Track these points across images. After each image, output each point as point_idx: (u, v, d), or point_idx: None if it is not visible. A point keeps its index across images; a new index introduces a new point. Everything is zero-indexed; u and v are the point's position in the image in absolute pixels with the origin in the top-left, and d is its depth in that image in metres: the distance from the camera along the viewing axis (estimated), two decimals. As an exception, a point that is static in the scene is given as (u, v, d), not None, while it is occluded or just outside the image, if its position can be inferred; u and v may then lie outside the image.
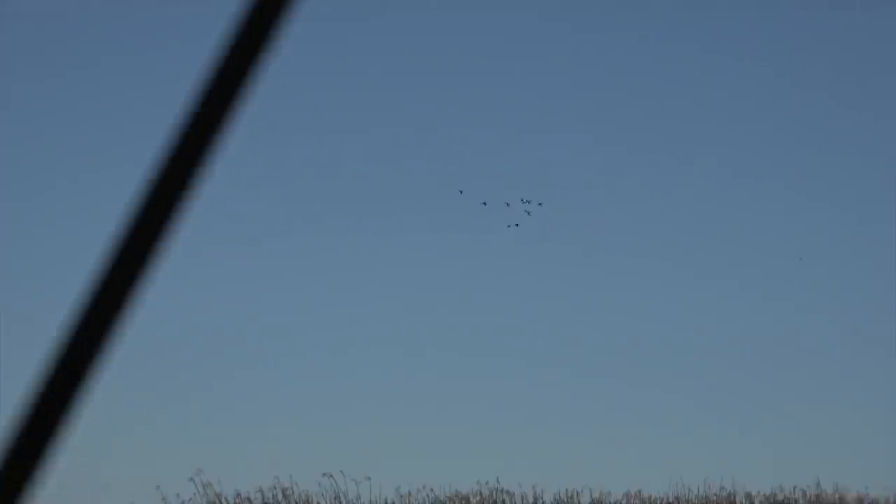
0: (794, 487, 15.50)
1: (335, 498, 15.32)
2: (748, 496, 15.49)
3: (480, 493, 15.34)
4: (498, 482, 15.19)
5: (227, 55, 1.19)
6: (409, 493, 15.51)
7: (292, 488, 15.73)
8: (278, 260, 35.89)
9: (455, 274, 36.62)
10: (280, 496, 15.73)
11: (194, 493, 16.07)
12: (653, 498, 15.95)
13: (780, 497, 15.21)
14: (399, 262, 35.98)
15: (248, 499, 15.68)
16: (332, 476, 15.56)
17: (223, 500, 15.66)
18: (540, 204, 27.09)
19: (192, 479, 16.13)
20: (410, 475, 24.83)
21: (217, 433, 28.11)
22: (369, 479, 15.88)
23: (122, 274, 1.12)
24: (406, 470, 26.38)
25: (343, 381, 31.05)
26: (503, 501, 15.02)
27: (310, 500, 15.49)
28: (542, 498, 15.38)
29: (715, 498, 15.24)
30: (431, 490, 15.54)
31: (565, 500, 15.41)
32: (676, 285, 35.10)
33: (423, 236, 36.74)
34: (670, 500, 15.65)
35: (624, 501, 15.67)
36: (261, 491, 16.06)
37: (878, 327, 32.43)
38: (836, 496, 15.43)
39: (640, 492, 16.23)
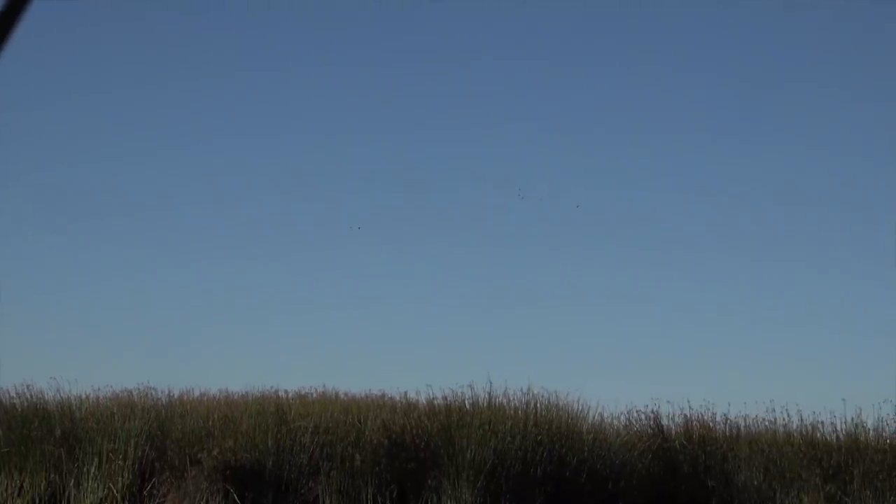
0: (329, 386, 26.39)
1: (57, 391, 26.01)
2: (346, 393, 25.92)
3: (138, 390, 26.74)
4: (148, 383, 26.76)
5: None
6: (98, 389, 26.59)
7: (32, 385, 26.59)
8: None
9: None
10: (25, 389, 26.55)
11: (-27, 389, 26.40)
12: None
13: (305, 392, 27.11)
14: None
15: (7, 390, 26.35)
16: (55, 378, 25.44)
17: (-6, 393, 26.45)
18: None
19: (-23, 380, 26.47)
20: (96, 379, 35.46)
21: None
22: (77, 380, 26.75)
23: None
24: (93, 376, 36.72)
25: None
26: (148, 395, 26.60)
27: (42, 392, 26.21)
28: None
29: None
30: (111, 387, 26.53)
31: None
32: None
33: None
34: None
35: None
36: (13, 386, 26.75)
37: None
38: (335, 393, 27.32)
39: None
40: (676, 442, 26.14)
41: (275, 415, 24.84)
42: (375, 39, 43.47)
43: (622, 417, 26.64)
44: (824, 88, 42.62)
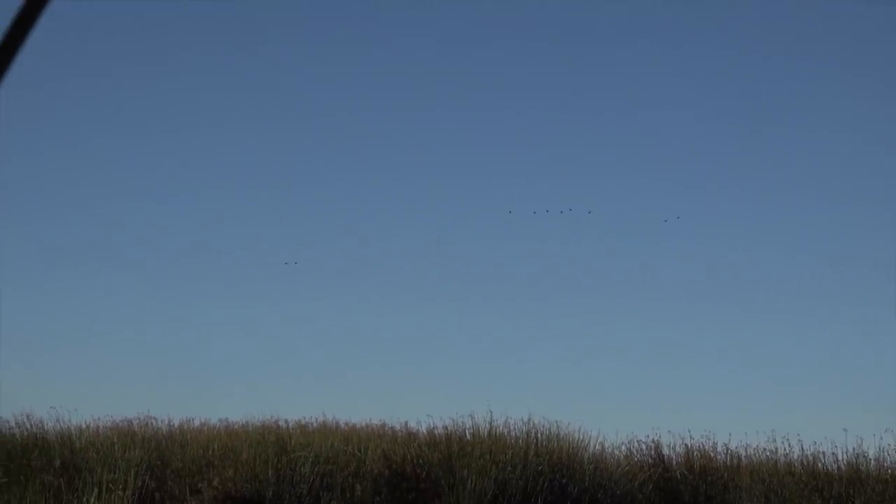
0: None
1: (57, 420, 26.33)
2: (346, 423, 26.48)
3: (138, 419, 26.84)
4: (148, 413, 26.80)
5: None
6: (98, 418, 26.69)
7: (32, 415, 26.69)
8: None
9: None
10: (25, 419, 26.64)
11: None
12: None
13: (305, 421, 27.16)
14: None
15: (7, 420, 26.45)
16: (55, 408, 26.52)
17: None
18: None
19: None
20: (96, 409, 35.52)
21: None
22: (77, 410, 26.94)
23: None
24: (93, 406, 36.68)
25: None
26: (149, 424, 26.66)
27: (42, 421, 26.43)
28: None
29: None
30: (111, 416, 26.71)
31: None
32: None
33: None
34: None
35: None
36: (13, 416, 26.88)
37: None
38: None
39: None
40: (677, 472, 26.16)
41: (275, 444, 24.90)
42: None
43: (623, 447, 26.77)
44: (834, 135, 42.61)
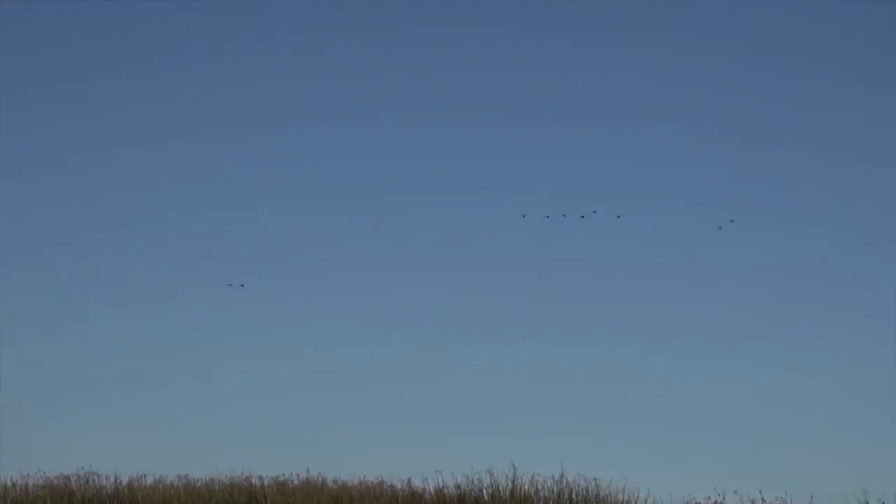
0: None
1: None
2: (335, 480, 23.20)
3: (77, 475, 23.03)
4: (90, 468, 22.98)
5: None
6: (27, 475, 22.93)
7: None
8: None
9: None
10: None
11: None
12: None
13: (284, 479, 23.30)
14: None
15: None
16: None
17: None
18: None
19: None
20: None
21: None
22: (0, 464, 23.31)
23: None
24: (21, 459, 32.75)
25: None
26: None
27: None
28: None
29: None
30: (43, 472, 22.91)
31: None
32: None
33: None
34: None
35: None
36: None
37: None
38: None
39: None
40: (745, 544, 22.75)
41: (247, 507, 22.30)
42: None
43: (678, 511, 23.98)
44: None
